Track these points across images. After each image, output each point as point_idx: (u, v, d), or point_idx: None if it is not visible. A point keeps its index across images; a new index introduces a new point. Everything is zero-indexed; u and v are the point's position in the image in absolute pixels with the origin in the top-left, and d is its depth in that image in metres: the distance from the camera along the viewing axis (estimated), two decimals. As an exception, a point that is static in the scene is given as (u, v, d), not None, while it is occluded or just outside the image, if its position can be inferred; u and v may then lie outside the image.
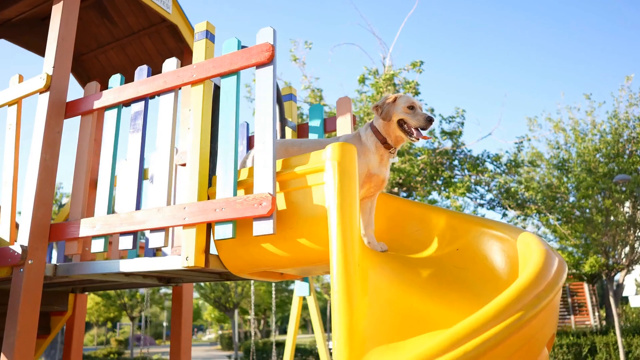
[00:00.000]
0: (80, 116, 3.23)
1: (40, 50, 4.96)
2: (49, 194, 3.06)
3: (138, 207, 2.80)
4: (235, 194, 2.48)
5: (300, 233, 2.41)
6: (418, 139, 2.66)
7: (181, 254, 2.53)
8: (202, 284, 26.77)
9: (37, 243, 2.92)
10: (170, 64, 2.91)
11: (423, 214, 2.89)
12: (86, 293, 4.68)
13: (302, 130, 3.76)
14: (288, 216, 2.45)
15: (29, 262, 2.86)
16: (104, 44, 4.92)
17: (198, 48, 2.85)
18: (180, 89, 2.94)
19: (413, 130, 2.64)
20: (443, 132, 13.39)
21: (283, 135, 3.57)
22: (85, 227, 2.88)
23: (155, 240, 2.64)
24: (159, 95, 2.91)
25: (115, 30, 4.77)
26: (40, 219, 2.98)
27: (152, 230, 2.65)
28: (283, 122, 3.55)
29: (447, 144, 13.79)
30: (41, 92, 3.20)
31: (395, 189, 14.55)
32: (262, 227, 2.34)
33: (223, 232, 2.44)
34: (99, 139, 3.23)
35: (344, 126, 3.53)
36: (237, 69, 2.63)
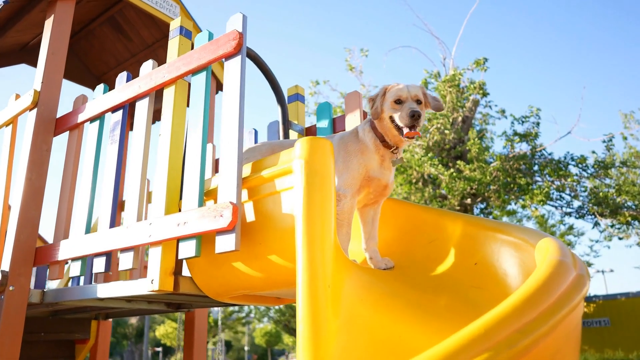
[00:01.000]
0: (68, 132, 3.15)
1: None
2: (34, 215, 2.97)
3: (112, 225, 2.62)
4: (200, 204, 2.21)
5: (270, 249, 2.08)
6: (407, 139, 2.22)
7: (147, 276, 2.30)
8: (272, 307, 26.89)
9: (19, 268, 2.83)
10: (146, 67, 2.73)
11: (437, 221, 2.46)
12: (109, 320, 4.63)
13: (310, 133, 3.45)
14: (257, 229, 2.14)
15: (10, 288, 2.76)
16: (122, 61, 4.94)
17: (171, 46, 2.65)
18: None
19: (403, 129, 2.24)
20: (516, 134, 12.44)
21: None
22: (64, 250, 2.74)
23: (125, 262, 2.43)
24: (136, 101, 2.74)
25: (131, 45, 4.77)
26: (24, 242, 2.89)
27: (122, 250, 2.45)
28: (286, 124, 3.27)
29: (523, 147, 12.81)
30: (30, 109, 3.16)
31: (468, 200, 13.73)
32: (224, 243, 2.04)
33: (186, 250, 2.17)
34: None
35: (353, 124, 3.17)
36: (205, 63, 2.39)
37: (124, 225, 2.45)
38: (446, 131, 12.59)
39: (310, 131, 3.45)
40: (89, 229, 2.76)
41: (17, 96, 3.39)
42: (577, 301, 1.26)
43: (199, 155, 2.29)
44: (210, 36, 2.48)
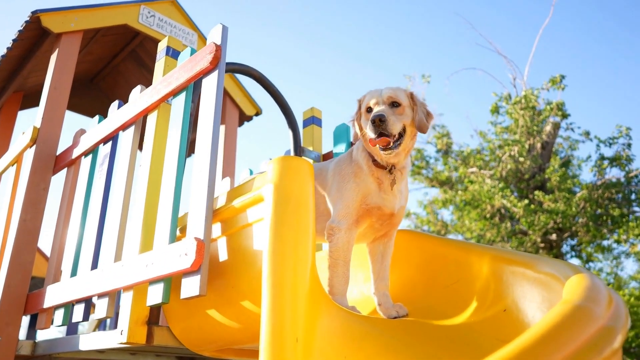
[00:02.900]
0: (66, 169, 3.12)
1: (90, 113, 5.23)
2: (27, 260, 2.92)
3: (95, 267, 2.49)
4: (172, 241, 2.02)
5: (242, 294, 1.83)
6: (383, 153, 1.91)
7: (117, 327, 2.12)
8: None
9: (8, 317, 2.76)
10: (135, 92, 2.65)
11: (462, 258, 2.12)
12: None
13: (327, 160, 3.21)
14: (229, 269, 1.91)
15: (-4, 339, 2.69)
16: (147, 95, 5.00)
17: (157, 68, 2.56)
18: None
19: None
20: (604, 158, 11.49)
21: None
22: (50, 296, 2.64)
23: (100, 309, 2.27)
24: (123, 131, 2.65)
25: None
26: (15, 288, 2.83)
27: (99, 295, 2.30)
28: (299, 151, 3.06)
29: (614, 173, 11.79)
30: (29, 146, 3.17)
31: (553, 236, 12.76)
32: (189, 287, 1.82)
33: (154, 295, 1.97)
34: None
35: (372, 148, 2.91)
36: (183, 83, 2.25)
37: (99, 268, 2.31)
38: (521, 159, 11.87)
39: (327, 158, 3.22)
40: (75, 272, 2.64)
41: (24, 133, 3.44)
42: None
43: (172, 184, 2.11)
44: (193, 53, 2.35)
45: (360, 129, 2.03)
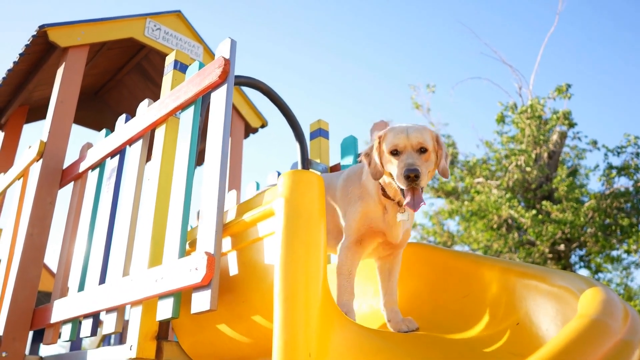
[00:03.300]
0: (73, 182, 3.15)
1: (95, 125, 5.27)
2: (34, 274, 2.94)
3: (103, 281, 2.51)
4: (181, 255, 2.04)
5: (254, 308, 1.85)
6: (413, 209, 1.83)
7: (126, 341, 2.13)
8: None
9: (14, 332, 2.78)
10: (142, 106, 2.68)
11: (472, 270, 2.13)
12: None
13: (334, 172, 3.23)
14: (240, 284, 1.92)
15: (3, 354, 2.70)
16: (152, 108, 5.05)
17: (165, 82, 2.59)
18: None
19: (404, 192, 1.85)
20: (612, 167, 11.48)
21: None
22: (57, 311, 2.66)
23: (109, 324, 2.29)
24: (130, 145, 2.68)
25: (159, 91, 4.87)
26: (22, 303, 2.85)
27: (107, 310, 2.32)
28: (306, 163, 3.08)
29: (622, 182, 11.77)
30: (36, 160, 3.21)
31: (562, 246, 12.72)
32: (199, 301, 1.84)
33: (164, 310, 1.99)
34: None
35: (380, 160, 2.93)
36: (192, 97, 2.28)
37: (107, 283, 2.33)
38: (527, 168, 11.87)
39: (335, 170, 3.24)
40: (82, 287, 2.66)
41: (30, 147, 3.47)
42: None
43: (182, 198, 2.14)
44: (201, 67, 2.38)
45: (381, 165, 1.96)
